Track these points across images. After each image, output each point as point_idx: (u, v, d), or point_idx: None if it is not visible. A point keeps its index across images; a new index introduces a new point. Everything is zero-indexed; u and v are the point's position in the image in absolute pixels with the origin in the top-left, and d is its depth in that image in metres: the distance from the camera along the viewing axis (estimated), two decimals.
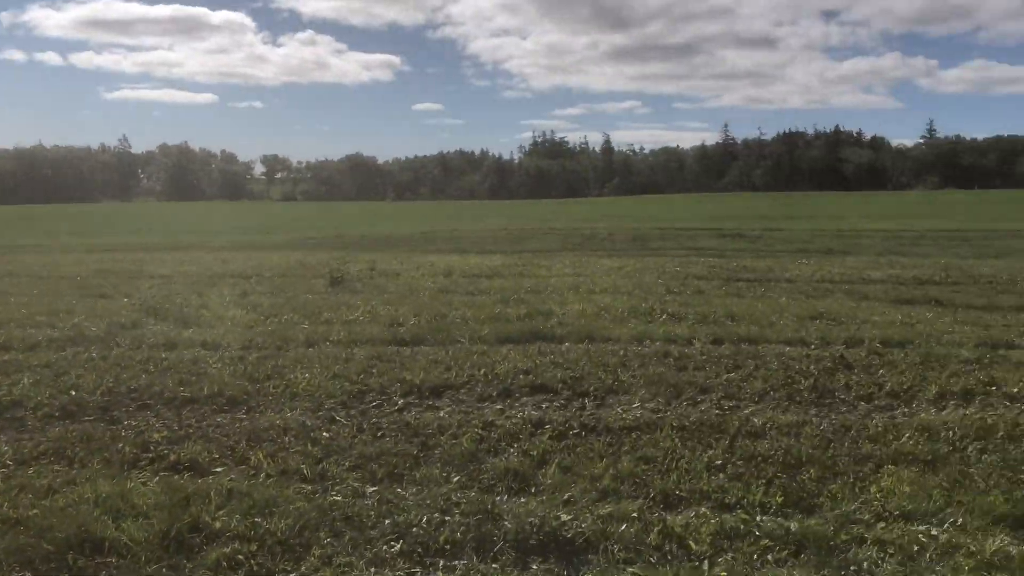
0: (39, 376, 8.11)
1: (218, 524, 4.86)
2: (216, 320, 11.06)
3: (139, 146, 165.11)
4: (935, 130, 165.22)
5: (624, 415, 6.88)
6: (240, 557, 4.52)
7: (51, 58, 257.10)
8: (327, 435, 6.43)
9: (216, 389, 7.60)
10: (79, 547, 4.61)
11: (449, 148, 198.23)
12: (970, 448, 6.10)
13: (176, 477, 5.65)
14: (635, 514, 4.96)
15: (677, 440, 6.27)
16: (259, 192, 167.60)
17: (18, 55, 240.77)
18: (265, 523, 4.86)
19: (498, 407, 7.17)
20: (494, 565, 4.48)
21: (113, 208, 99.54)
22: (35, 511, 5.04)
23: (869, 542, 4.63)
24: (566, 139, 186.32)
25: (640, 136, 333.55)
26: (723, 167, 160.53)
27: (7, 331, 10.36)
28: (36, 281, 16.14)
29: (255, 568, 4.45)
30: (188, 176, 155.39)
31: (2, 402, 7.29)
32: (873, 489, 5.35)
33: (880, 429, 6.52)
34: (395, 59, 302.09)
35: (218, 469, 5.82)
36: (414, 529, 4.83)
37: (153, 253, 25.17)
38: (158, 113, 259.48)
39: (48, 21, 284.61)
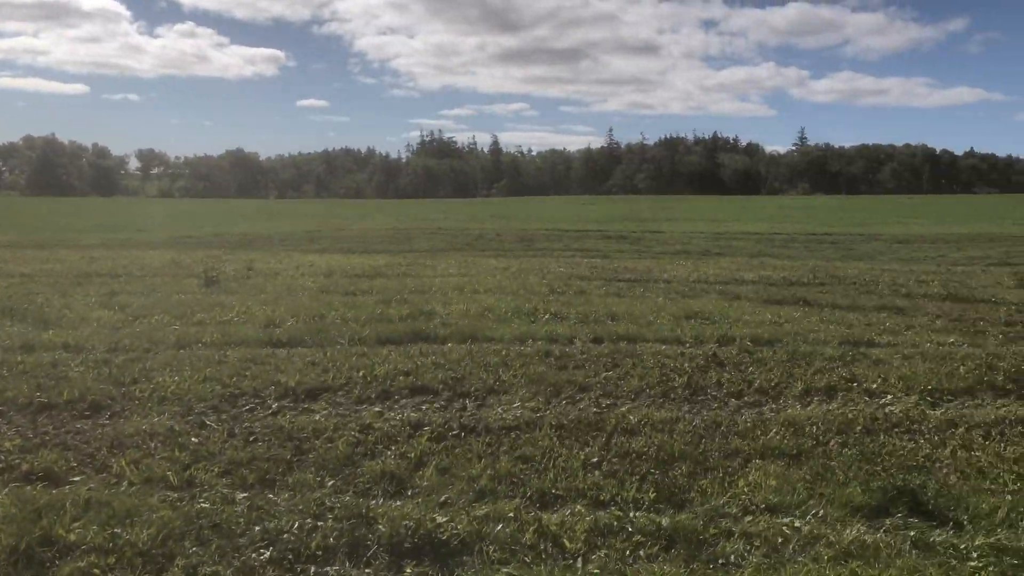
0: None
1: (73, 536, 4.59)
2: (80, 321, 10.50)
3: (1, 137, 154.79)
4: (806, 138, 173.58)
5: (504, 415, 6.89)
6: (96, 571, 4.30)
7: None
8: (196, 440, 6.18)
9: (77, 394, 7.20)
10: None
11: (335, 146, 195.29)
12: (832, 442, 6.38)
13: (28, 488, 5.30)
14: (511, 514, 4.96)
15: (555, 439, 6.32)
16: (134, 188, 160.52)
17: None
18: (125, 534, 4.62)
19: (376, 409, 7.06)
20: (367, 570, 4.40)
21: None
22: None
23: (736, 535, 4.77)
24: (454, 139, 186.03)
25: (528, 138, 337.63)
26: (608, 170, 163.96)
27: None
28: None
29: None
30: (56, 170, 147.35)
31: None
32: (741, 483, 5.52)
33: (749, 425, 6.75)
34: (279, 54, 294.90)
35: (76, 478, 5.51)
36: (285, 535, 4.69)
37: (14, 250, 23.72)
38: (22, 103, 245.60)
39: None
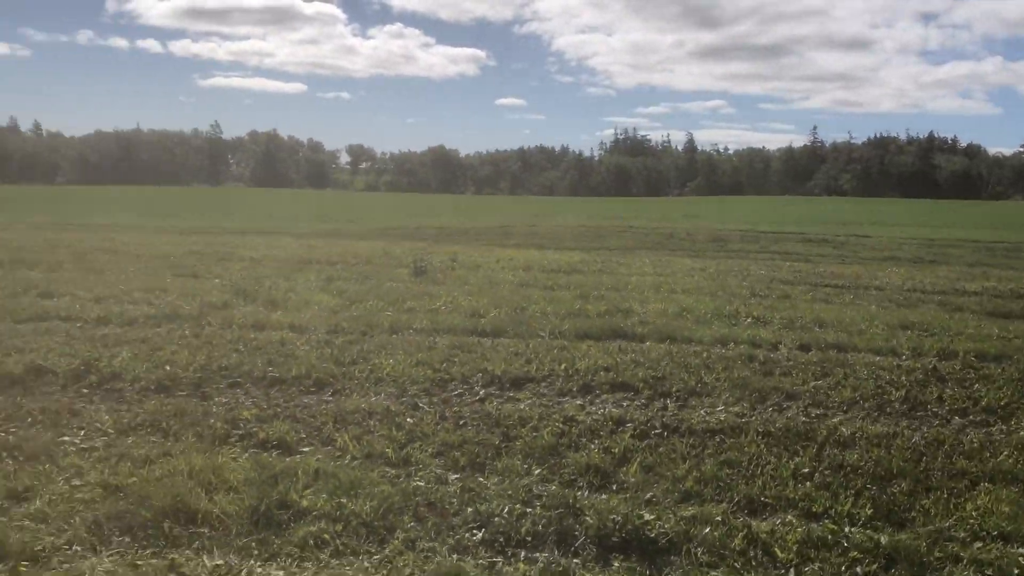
0: (136, 350, 8.43)
1: (305, 502, 4.97)
2: (303, 304, 11.32)
3: (230, 132, 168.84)
4: None
5: (707, 418, 6.79)
6: (326, 536, 4.62)
7: (151, 45, 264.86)
8: (411, 421, 6.52)
9: (303, 371, 7.77)
10: (174, 516, 4.78)
11: (530, 143, 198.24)
12: None
13: (265, 455, 5.80)
14: (719, 518, 4.90)
15: (762, 446, 6.16)
16: (343, 181, 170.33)
17: (121, 42, 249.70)
18: (350, 504, 4.95)
19: (578, 402, 7.16)
20: (575, 560, 4.47)
21: (203, 192, 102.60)
22: (133, 479, 5.24)
23: (965, 561, 4.47)
24: (648, 137, 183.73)
25: (724, 136, 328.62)
26: (809, 170, 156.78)
27: (106, 306, 10.81)
28: (133, 259, 16.76)
29: (340, 548, 4.54)
30: (276, 163, 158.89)
31: (103, 373, 7.60)
32: (969, 507, 5.16)
33: (976, 445, 6.29)
34: (481, 53, 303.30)
35: (305, 449, 5.96)
36: (496, 519, 4.86)
37: (241, 237, 25.86)
38: (249, 101, 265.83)
39: (151, 10, 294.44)
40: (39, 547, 4.41)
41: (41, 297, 11.54)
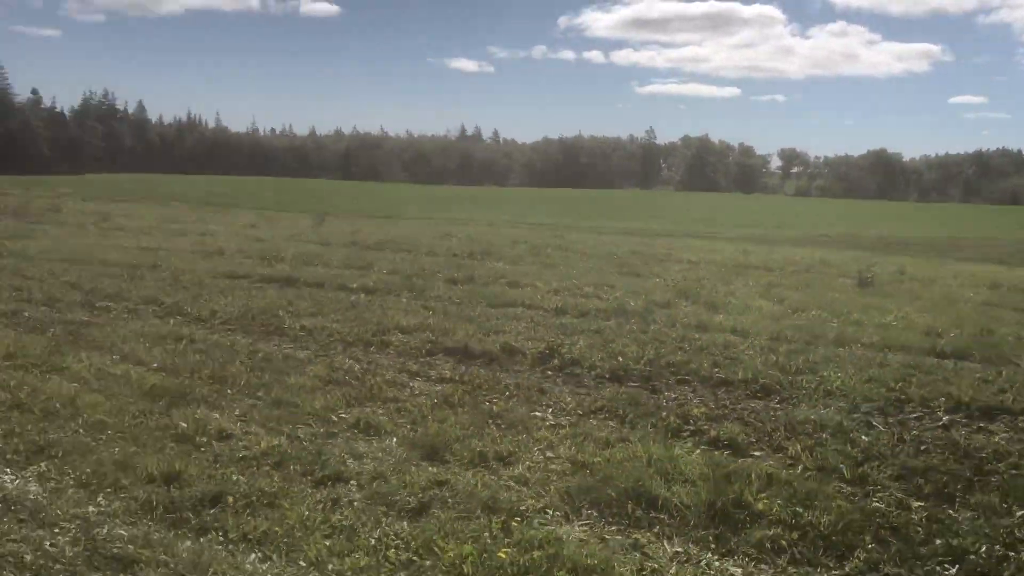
0: (591, 340, 9.10)
1: (760, 506, 4.99)
2: (743, 308, 11.34)
3: (663, 137, 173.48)
4: None
5: None
6: (783, 543, 4.60)
7: (595, 56, 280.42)
8: (865, 439, 6.21)
9: (749, 375, 7.79)
10: (636, 499, 5.09)
11: (989, 146, 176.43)
12: None
13: (716, 453, 5.93)
14: None
15: None
16: (772, 186, 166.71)
17: (569, 55, 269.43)
18: (806, 515, 4.87)
19: None
20: None
21: (635, 194, 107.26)
22: (597, 459, 5.69)
23: None
24: None
25: None
26: None
27: (563, 298, 11.84)
28: (581, 256, 18.11)
29: (797, 556, 4.50)
30: (705, 168, 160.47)
31: (564, 358, 8.35)
32: None
33: None
34: (934, 48, 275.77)
35: (756, 453, 5.99)
36: (971, 556, 4.47)
37: (673, 239, 26.60)
38: (683, 106, 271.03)
39: (597, 23, 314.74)
40: (523, 507, 4.99)
41: (508, 286, 12.99)
